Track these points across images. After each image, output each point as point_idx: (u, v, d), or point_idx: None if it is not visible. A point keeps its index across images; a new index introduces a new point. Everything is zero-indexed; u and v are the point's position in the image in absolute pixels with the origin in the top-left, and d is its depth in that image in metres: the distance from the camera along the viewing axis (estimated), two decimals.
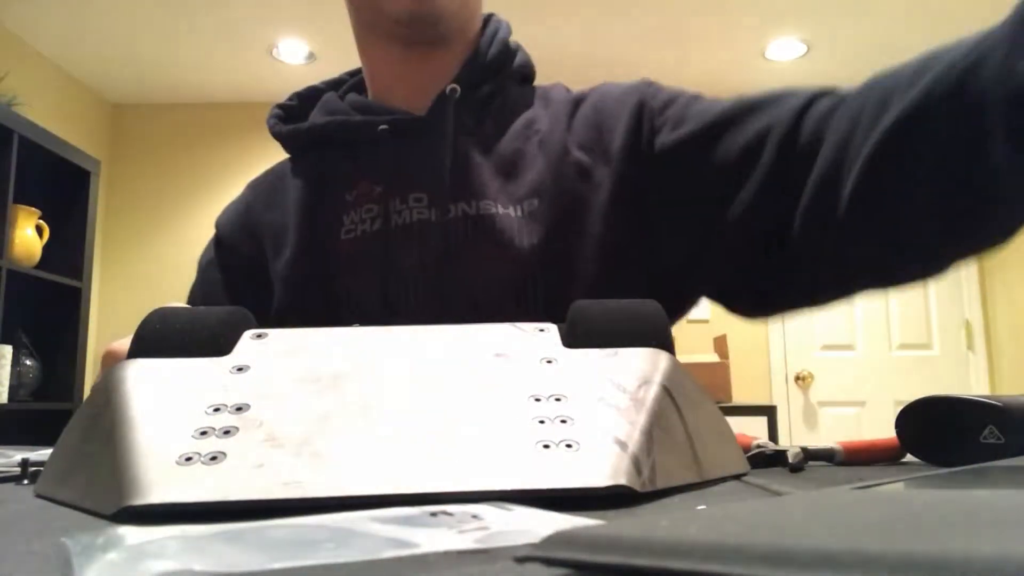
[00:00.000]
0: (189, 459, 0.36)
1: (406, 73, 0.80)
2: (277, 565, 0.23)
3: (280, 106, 0.88)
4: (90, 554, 0.23)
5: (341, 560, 0.24)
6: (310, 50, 3.63)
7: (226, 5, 3.17)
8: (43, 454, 0.55)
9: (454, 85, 0.77)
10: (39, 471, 0.46)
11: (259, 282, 0.82)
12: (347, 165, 0.79)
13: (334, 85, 0.90)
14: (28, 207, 2.58)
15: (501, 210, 0.72)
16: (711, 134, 0.69)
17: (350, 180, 0.78)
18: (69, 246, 2.78)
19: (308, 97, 0.89)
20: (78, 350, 2.79)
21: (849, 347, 3.69)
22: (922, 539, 0.16)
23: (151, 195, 4.13)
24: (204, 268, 0.89)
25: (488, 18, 0.86)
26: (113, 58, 3.42)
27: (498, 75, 0.80)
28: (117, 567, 0.22)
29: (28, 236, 2.58)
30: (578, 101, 0.80)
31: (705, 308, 3.65)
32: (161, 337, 0.47)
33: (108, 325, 3.95)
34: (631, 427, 0.40)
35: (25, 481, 0.49)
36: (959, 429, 0.57)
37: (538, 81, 0.87)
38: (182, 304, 0.67)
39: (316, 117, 0.84)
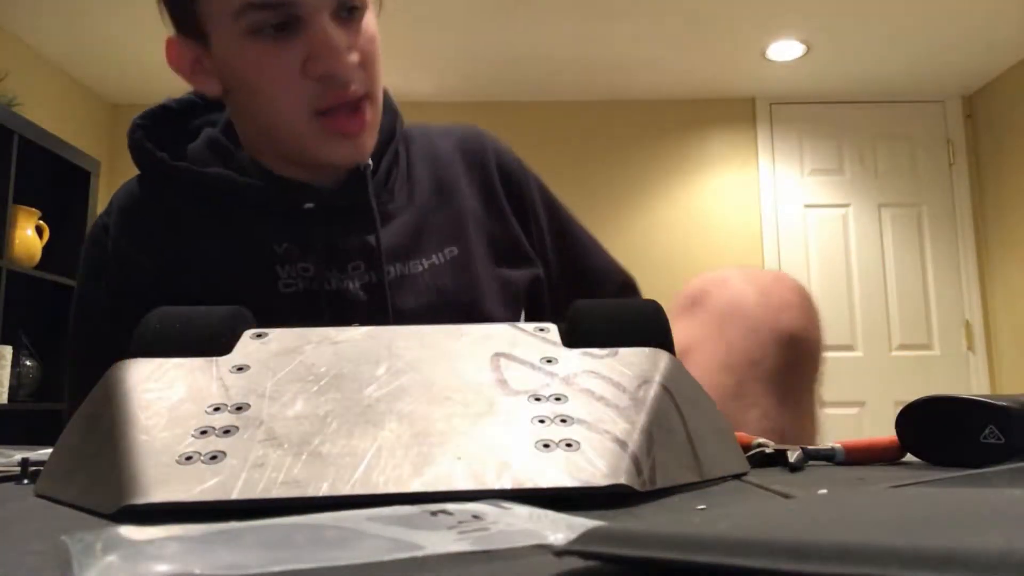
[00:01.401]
0: (189, 458, 0.36)
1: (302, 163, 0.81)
2: (277, 567, 0.23)
3: (141, 126, 0.83)
4: (90, 554, 0.23)
5: (342, 562, 0.24)
6: None
7: None
8: (43, 454, 0.55)
9: (368, 162, 0.80)
10: (39, 471, 0.46)
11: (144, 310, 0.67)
12: (268, 219, 0.79)
13: (188, 107, 0.87)
14: (28, 207, 2.58)
15: (425, 263, 0.81)
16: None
17: (275, 233, 0.78)
18: (69, 246, 2.77)
19: (162, 119, 0.85)
20: None
21: (849, 347, 3.69)
22: (932, 535, 0.17)
23: None
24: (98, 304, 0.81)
25: None
26: (113, 58, 3.42)
27: (391, 143, 0.85)
28: (117, 567, 0.22)
29: (28, 236, 2.58)
30: (449, 141, 0.91)
31: None
32: (161, 337, 0.47)
33: None
34: (631, 427, 0.40)
35: (25, 481, 0.49)
36: (959, 429, 0.57)
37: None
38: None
39: (206, 159, 0.81)
